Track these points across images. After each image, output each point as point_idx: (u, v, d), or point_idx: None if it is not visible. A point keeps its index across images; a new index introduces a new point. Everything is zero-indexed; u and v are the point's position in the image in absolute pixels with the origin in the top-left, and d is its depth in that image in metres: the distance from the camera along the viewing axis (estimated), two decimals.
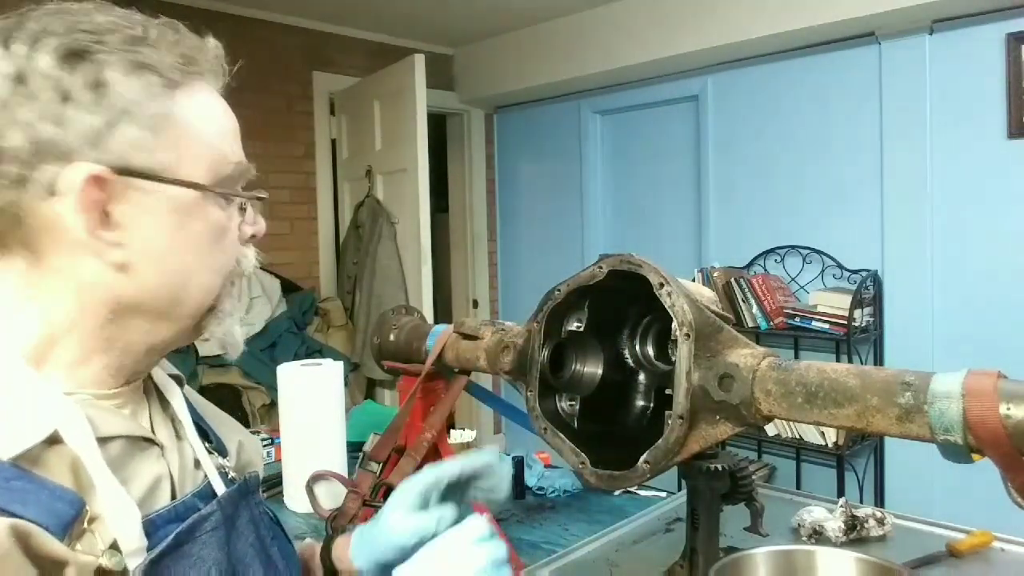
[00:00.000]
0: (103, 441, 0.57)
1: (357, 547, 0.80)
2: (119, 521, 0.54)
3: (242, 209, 0.65)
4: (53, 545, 0.49)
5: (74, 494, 0.52)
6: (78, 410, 0.55)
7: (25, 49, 0.54)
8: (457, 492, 0.80)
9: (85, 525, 0.52)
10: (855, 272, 3.23)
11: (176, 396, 0.70)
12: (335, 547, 0.84)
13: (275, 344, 3.43)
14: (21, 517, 0.48)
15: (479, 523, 0.69)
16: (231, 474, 0.70)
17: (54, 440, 0.53)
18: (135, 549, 0.54)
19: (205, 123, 0.61)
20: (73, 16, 0.56)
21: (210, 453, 0.69)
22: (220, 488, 0.66)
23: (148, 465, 0.61)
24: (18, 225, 0.55)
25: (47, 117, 0.53)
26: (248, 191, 0.66)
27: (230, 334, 0.66)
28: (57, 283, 0.57)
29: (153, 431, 0.64)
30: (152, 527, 0.57)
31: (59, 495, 0.51)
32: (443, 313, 4.75)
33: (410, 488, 0.78)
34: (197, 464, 0.67)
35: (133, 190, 0.56)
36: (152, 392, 0.68)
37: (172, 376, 0.71)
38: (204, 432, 0.72)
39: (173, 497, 0.61)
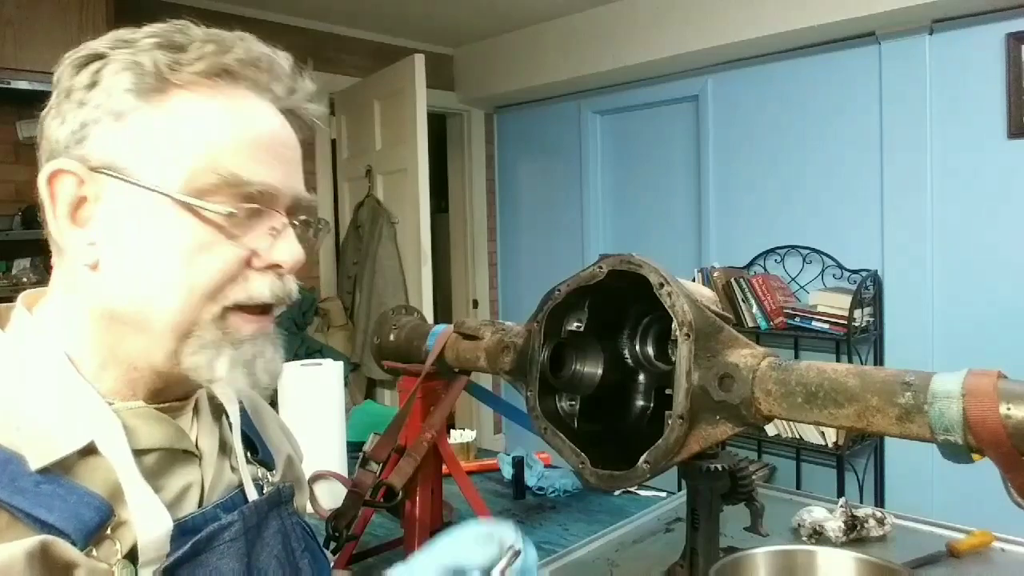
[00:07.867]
0: (141, 452, 0.56)
1: None
2: (147, 529, 0.53)
3: (274, 234, 0.58)
4: (68, 552, 0.49)
5: (102, 500, 0.52)
6: (116, 421, 0.55)
7: (69, 59, 0.56)
8: None
9: (108, 532, 0.52)
10: (855, 272, 3.23)
11: (232, 404, 0.68)
12: None
13: None
14: (45, 521, 0.49)
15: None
16: (266, 486, 0.68)
17: (91, 448, 0.54)
18: (154, 558, 0.53)
19: (197, 131, 0.55)
20: (138, 30, 0.57)
21: (250, 463, 0.68)
22: (253, 498, 0.65)
23: (182, 474, 0.60)
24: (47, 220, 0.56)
25: (57, 116, 0.55)
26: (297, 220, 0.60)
27: (208, 367, 0.57)
28: (67, 283, 0.58)
29: (197, 439, 0.63)
30: (172, 535, 0.56)
31: (87, 501, 0.52)
32: (443, 313, 4.75)
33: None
34: (235, 470, 0.66)
35: (107, 189, 0.55)
36: (205, 398, 0.66)
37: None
38: (252, 443, 0.71)
39: (200, 506, 0.61)
